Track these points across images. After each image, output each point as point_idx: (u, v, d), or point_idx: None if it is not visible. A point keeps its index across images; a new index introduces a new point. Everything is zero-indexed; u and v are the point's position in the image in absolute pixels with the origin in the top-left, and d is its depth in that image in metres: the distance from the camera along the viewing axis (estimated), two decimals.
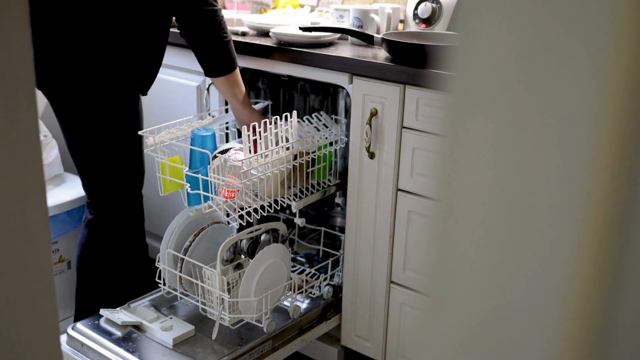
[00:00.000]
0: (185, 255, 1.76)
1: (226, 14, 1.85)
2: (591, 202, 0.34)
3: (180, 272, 1.77)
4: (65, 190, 2.26)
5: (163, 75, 1.91)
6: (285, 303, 1.86)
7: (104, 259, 1.94)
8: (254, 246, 1.74)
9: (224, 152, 1.71)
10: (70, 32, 1.71)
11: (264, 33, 2.07)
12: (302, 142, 1.78)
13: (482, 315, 0.39)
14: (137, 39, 1.77)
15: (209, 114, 2.03)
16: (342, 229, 2.09)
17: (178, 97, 2.22)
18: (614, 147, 0.33)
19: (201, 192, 1.65)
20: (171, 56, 1.92)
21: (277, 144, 1.71)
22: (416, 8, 2.02)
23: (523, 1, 0.36)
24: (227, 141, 2.08)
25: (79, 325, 1.76)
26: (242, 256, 1.76)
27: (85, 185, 1.91)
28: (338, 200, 2.15)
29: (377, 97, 1.74)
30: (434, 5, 1.99)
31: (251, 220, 1.71)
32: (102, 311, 1.79)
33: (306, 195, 1.85)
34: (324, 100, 2.21)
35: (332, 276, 2.01)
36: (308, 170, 1.85)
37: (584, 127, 0.34)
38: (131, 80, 1.83)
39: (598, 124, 0.33)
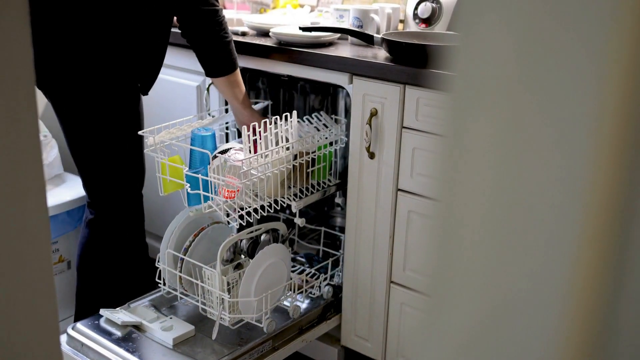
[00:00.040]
0: (185, 255, 1.76)
1: (226, 14, 1.85)
2: (592, 202, 0.34)
3: (180, 272, 1.77)
4: (65, 190, 2.26)
5: (163, 75, 1.91)
6: (285, 303, 1.86)
7: (104, 259, 1.94)
8: (254, 246, 1.74)
9: (224, 152, 1.71)
10: (71, 31, 1.71)
11: (264, 33, 2.07)
12: (302, 142, 1.78)
13: (482, 315, 0.39)
14: (138, 39, 1.77)
15: (209, 114, 2.03)
16: (342, 229, 2.09)
17: (178, 97, 2.22)
18: (615, 146, 0.33)
19: (201, 192, 1.65)
20: (171, 56, 1.92)
21: (277, 144, 1.71)
22: (416, 8, 2.02)
23: (523, 1, 0.36)
24: (227, 141, 2.08)
25: (79, 325, 1.76)
26: (242, 256, 1.76)
27: (85, 185, 1.91)
28: (338, 200, 2.15)
29: (377, 97, 1.74)
30: (434, 5, 1.99)
31: (251, 220, 1.71)
32: (102, 311, 1.79)
33: (306, 195, 1.85)
34: (324, 100, 2.21)
35: (332, 276, 2.01)
36: (308, 170, 1.85)
37: (585, 126, 0.34)
38: (132, 80, 1.83)
39: (598, 124, 0.33)
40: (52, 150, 2.35)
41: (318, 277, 1.99)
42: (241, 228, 1.83)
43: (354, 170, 1.83)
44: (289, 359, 1.87)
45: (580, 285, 0.35)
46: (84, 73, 1.74)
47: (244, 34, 2.08)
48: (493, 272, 0.38)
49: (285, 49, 1.90)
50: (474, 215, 0.39)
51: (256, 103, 2.04)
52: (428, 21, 2.00)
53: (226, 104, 2.03)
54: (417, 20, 2.02)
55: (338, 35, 1.97)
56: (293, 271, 1.94)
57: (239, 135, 1.98)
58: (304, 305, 1.92)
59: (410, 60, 1.69)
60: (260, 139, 1.65)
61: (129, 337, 1.73)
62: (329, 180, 1.94)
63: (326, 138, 1.87)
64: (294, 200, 1.79)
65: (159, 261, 1.82)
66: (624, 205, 0.34)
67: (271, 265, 1.73)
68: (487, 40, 0.37)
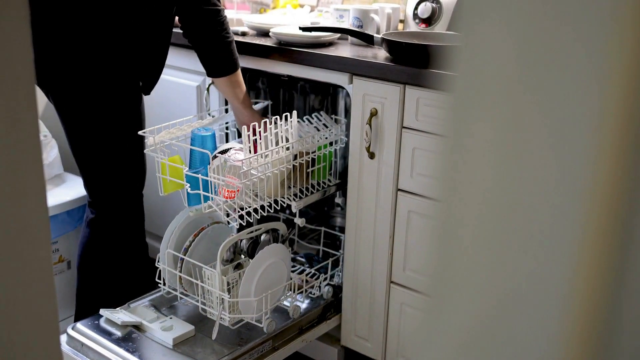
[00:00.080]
0: (185, 255, 1.76)
1: (226, 13, 1.85)
2: (593, 202, 0.34)
3: (180, 272, 1.77)
4: (65, 190, 2.26)
5: (163, 75, 1.91)
6: (285, 303, 1.86)
7: (105, 259, 1.94)
8: (254, 246, 1.74)
9: (224, 152, 1.71)
10: (73, 30, 1.71)
11: (264, 33, 2.07)
12: (302, 142, 1.78)
13: (483, 315, 0.39)
14: (140, 37, 1.77)
15: (209, 114, 2.03)
16: (342, 229, 2.09)
17: (178, 97, 2.22)
18: (616, 146, 0.33)
19: (201, 192, 1.65)
20: (171, 56, 1.92)
21: (277, 144, 1.71)
22: (416, 8, 2.02)
23: (524, 1, 0.36)
24: (227, 141, 2.08)
25: (79, 325, 1.76)
26: (242, 256, 1.76)
27: (86, 185, 1.91)
28: (338, 200, 2.15)
29: (377, 97, 1.74)
30: (434, 5, 1.99)
31: (251, 220, 1.71)
32: (102, 311, 1.78)
33: (306, 195, 1.85)
34: (324, 100, 2.21)
35: (332, 276, 2.01)
36: (308, 170, 1.85)
37: (585, 126, 0.34)
38: (134, 79, 1.83)
39: (599, 124, 0.33)
40: (52, 150, 2.35)
41: (318, 277, 1.99)
42: (241, 228, 1.83)
43: (354, 170, 1.83)
44: (289, 359, 1.87)
45: (582, 285, 0.35)
46: (85, 72, 1.74)
47: (244, 34, 2.08)
48: (493, 272, 0.38)
49: (285, 49, 1.90)
50: (474, 215, 0.39)
51: (256, 103, 2.04)
52: (428, 21, 2.00)
53: (226, 103, 2.03)
54: (417, 20, 2.02)
55: (338, 35, 1.97)
56: (293, 271, 1.94)
57: (239, 135, 1.98)
58: (304, 305, 1.92)
59: (410, 60, 1.69)
60: (260, 139, 1.65)
61: (129, 337, 1.73)
62: (329, 180, 1.94)
63: (326, 138, 1.87)
64: (294, 200, 1.79)
65: (159, 261, 1.82)
66: (626, 205, 0.34)
67: (271, 265, 1.73)
68: (488, 41, 0.37)
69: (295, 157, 1.77)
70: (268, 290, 1.72)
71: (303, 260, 2.13)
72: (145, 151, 1.75)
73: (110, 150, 1.85)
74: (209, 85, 2.11)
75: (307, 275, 1.98)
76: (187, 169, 1.67)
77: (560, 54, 0.35)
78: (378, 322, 1.89)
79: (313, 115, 1.90)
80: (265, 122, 1.70)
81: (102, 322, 1.77)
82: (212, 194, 1.66)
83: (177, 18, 1.85)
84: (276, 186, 1.73)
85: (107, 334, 1.73)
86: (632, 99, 0.33)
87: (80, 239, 1.97)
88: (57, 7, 1.70)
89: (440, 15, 1.98)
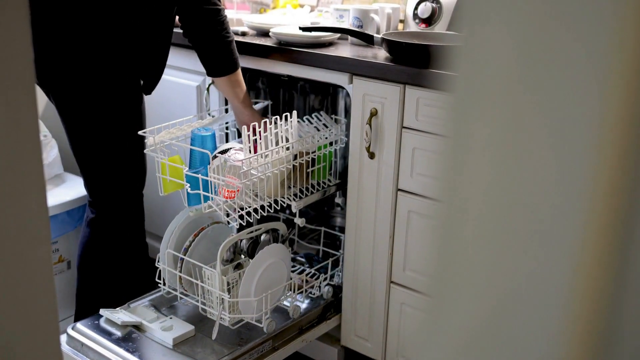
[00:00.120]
0: (185, 255, 1.76)
1: (226, 13, 1.85)
2: (593, 202, 0.34)
3: (180, 272, 1.77)
4: (65, 190, 2.26)
5: (163, 75, 1.91)
6: (285, 303, 1.86)
7: (105, 258, 1.94)
8: (254, 246, 1.74)
9: (224, 152, 1.71)
10: (74, 30, 1.71)
11: (264, 33, 2.07)
12: (302, 142, 1.78)
13: (484, 316, 0.39)
14: (140, 37, 1.77)
15: (209, 114, 2.03)
16: (342, 229, 2.09)
17: (178, 97, 2.22)
18: (616, 146, 0.33)
19: (201, 192, 1.64)
20: (171, 56, 1.92)
21: (277, 144, 1.71)
22: (416, 8, 2.02)
23: (524, 1, 0.36)
24: (227, 141, 2.08)
25: (79, 325, 1.76)
26: (242, 256, 1.76)
27: (87, 184, 1.91)
28: (338, 200, 2.15)
29: (377, 97, 1.73)
30: (434, 5, 1.99)
31: (251, 220, 1.71)
32: (102, 311, 1.78)
33: (306, 195, 1.85)
34: (324, 100, 2.21)
35: (332, 276, 2.01)
36: (308, 170, 1.85)
37: (586, 126, 0.34)
38: (135, 79, 1.83)
39: (600, 124, 0.33)
40: (52, 150, 2.35)
41: (318, 277, 1.99)
42: (241, 228, 1.83)
43: (354, 170, 1.83)
44: (289, 359, 1.87)
45: (582, 286, 0.35)
46: (86, 71, 1.74)
47: (244, 34, 2.08)
48: (494, 273, 0.38)
49: (285, 49, 1.90)
50: (474, 215, 0.39)
51: (256, 103, 2.04)
52: (428, 21, 2.00)
53: (226, 103, 2.03)
54: (417, 20, 2.02)
55: (338, 35, 1.97)
56: (293, 271, 1.94)
57: (239, 135, 1.98)
58: (304, 305, 1.92)
59: (410, 60, 1.69)
60: (260, 139, 1.65)
61: (129, 337, 1.73)
62: (329, 180, 1.94)
63: (326, 138, 1.87)
64: (294, 200, 1.79)
65: (159, 261, 1.82)
66: (626, 205, 0.34)
67: (271, 265, 1.73)
68: (488, 41, 0.37)
69: (295, 157, 1.77)
70: (268, 290, 1.72)
71: (303, 260, 2.13)
72: (145, 151, 1.75)
73: (111, 150, 1.85)
74: (209, 85, 2.11)
75: (307, 275, 1.98)
76: (187, 169, 1.67)
77: (560, 54, 0.34)
78: (378, 322, 1.89)
79: (313, 115, 1.90)
80: (265, 122, 1.69)
81: (102, 322, 1.77)
82: (212, 194, 1.66)
83: (177, 17, 1.85)
84: (276, 186, 1.73)
85: (107, 334, 1.73)
86: (632, 98, 0.33)
87: (80, 238, 1.97)
88: (58, 6, 1.70)
89: (440, 15, 1.98)
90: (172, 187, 1.72)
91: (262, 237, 1.76)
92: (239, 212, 1.68)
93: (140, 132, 1.77)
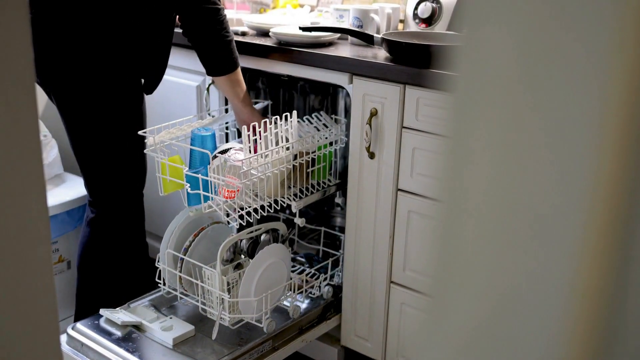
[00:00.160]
0: (185, 255, 1.76)
1: (226, 13, 1.85)
2: (594, 202, 0.34)
3: (180, 272, 1.77)
4: (65, 190, 2.26)
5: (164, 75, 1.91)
6: (285, 303, 1.86)
7: (105, 258, 1.94)
8: (254, 246, 1.74)
9: (224, 152, 1.71)
10: (74, 29, 1.71)
11: (264, 33, 2.07)
12: (302, 142, 1.78)
13: (484, 316, 0.39)
14: (141, 36, 1.77)
15: (209, 114, 2.03)
16: (342, 229, 2.09)
17: (178, 97, 2.22)
18: (617, 146, 0.33)
19: (201, 192, 1.64)
20: (171, 56, 1.92)
21: (277, 144, 1.71)
22: (416, 8, 2.02)
23: (524, 2, 0.36)
24: (227, 141, 2.08)
25: (79, 325, 1.76)
26: (242, 256, 1.76)
27: (87, 184, 1.91)
28: (338, 200, 2.15)
29: (377, 97, 1.73)
30: (434, 5, 1.99)
31: (251, 220, 1.71)
32: (102, 311, 1.78)
33: (306, 195, 1.85)
34: (324, 100, 2.21)
35: (332, 276, 2.01)
36: (308, 170, 1.85)
37: (587, 126, 0.34)
38: (136, 78, 1.83)
39: (600, 124, 0.33)
40: (52, 150, 2.35)
41: (318, 277, 1.99)
42: (241, 228, 1.83)
43: (354, 170, 1.83)
44: (289, 359, 1.87)
45: (583, 285, 0.35)
46: (87, 71, 1.74)
47: (243, 33, 2.08)
48: (494, 273, 0.38)
49: (285, 49, 1.90)
50: (475, 216, 0.39)
51: (256, 103, 2.04)
52: (428, 21, 2.00)
53: (226, 103, 2.03)
54: (417, 20, 2.02)
55: (338, 35, 1.97)
56: (293, 271, 1.94)
57: (239, 135, 1.98)
58: (304, 305, 1.92)
59: (410, 60, 1.69)
60: (260, 139, 1.65)
61: (129, 337, 1.73)
62: (329, 180, 1.94)
63: (326, 138, 1.87)
64: (294, 200, 1.79)
65: (159, 261, 1.82)
66: (627, 205, 0.34)
67: (271, 265, 1.73)
68: (489, 41, 0.37)
69: (295, 157, 1.77)
70: (268, 290, 1.72)
71: (303, 260, 2.13)
72: (145, 151, 1.75)
73: (111, 150, 1.85)
74: (209, 85, 2.11)
75: (307, 275, 1.98)
76: (187, 169, 1.67)
77: (560, 54, 0.34)
78: (378, 322, 1.89)
79: (313, 115, 1.90)
80: (265, 122, 1.70)
81: (102, 322, 1.77)
82: (212, 194, 1.66)
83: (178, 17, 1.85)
84: (276, 186, 1.73)
85: (107, 334, 1.73)
86: (632, 98, 0.33)
87: (80, 238, 1.97)
88: (58, 6, 1.70)
89: (440, 15, 1.98)
90: (172, 187, 1.72)
91: (262, 237, 1.76)
92: (239, 212, 1.68)
93: (140, 132, 1.77)
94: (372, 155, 1.77)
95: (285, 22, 2.13)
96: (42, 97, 1.92)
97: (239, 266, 1.75)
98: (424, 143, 1.68)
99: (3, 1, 0.40)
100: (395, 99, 1.70)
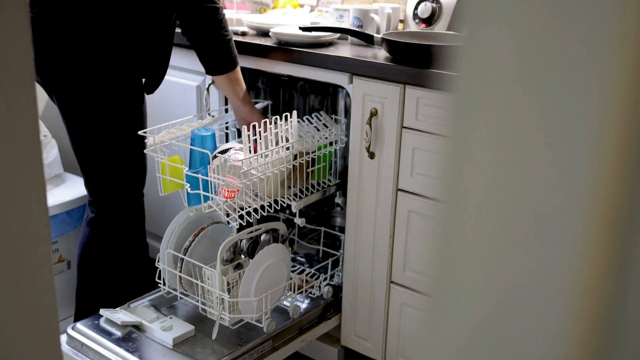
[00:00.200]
0: (185, 255, 1.76)
1: (226, 13, 1.85)
2: (594, 201, 0.34)
3: (180, 272, 1.77)
4: (65, 190, 2.26)
5: None
6: (285, 303, 1.86)
7: (105, 258, 1.94)
8: (254, 246, 1.74)
9: (224, 152, 1.71)
10: (75, 29, 1.71)
11: (264, 33, 2.07)
12: (302, 142, 1.78)
13: (484, 316, 0.39)
14: (141, 36, 1.77)
15: (209, 114, 2.03)
16: (342, 229, 2.09)
17: (178, 97, 2.22)
18: (617, 146, 0.33)
19: (201, 192, 1.64)
20: (171, 56, 1.92)
21: (277, 144, 1.71)
22: (416, 8, 2.02)
23: (524, 2, 0.36)
24: (227, 141, 2.08)
25: (79, 325, 1.76)
26: (242, 256, 1.76)
27: (87, 183, 1.91)
28: (338, 200, 2.15)
29: (377, 97, 1.73)
30: (434, 5, 1.99)
31: (251, 220, 1.71)
32: (102, 311, 1.78)
33: (306, 195, 1.85)
34: (323, 100, 2.21)
35: (332, 276, 2.01)
36: (308, 170, 1.85)
37: (587, 126, 0.34)
38: (136, 78, 1.83)
39: (600, 124, 0.33)
40: (52, 150, 2.35)
41: (318, 277, 1.99)
42: (241, 228, 1.83)
43: (354, 170, 1.83)
44: (289, 359, 1.87)
45: (583, 285, 0.35)
46: (88, 70, 1.75)
47: (243, 33, 2.08)
48: (494, 273, 0.38)
49: (285, 49, 1.90)
50: (475, 216, 0.39)
51: (256, 103, 2.04)
52: (428, 21, 2.00)
53: (226, 103, 2.03)
54: (417, 20, 2.02)
55: (338, 35, 1.97)
56: (293, 271, 1.94)
57: (239, 135, 1.98)
58: (304, 305, 1.92)
59: (410, 60, 1.69)
60: (260, 138, 1.65)
61: (129, 337, 1.73)
62: (329, 180, 1.94)
63: (326, 138, 1.87)
64: (294, 200, 1.79)
65: (159, 261, 1.82)
66: (627, 204, 0.34)
67: (271, 265, 1.73)
68: (489, 41, 0.37)
69: (295, 157, 1.77)
70: (268, 290, 1.72)
71: (303, 260, 2.13)
72: (145, 151, 1.76)
73: (112, 149, 1.85)
74: (209, 85, 2.11)
75: (307, 275, 1.98)
76: (187, 169, 1.67)
77: (560, 54, 0.34)
78: (378, 322, 1.89)
79: (313, 115, 1.90)
80: (265, 122, 1.70)
81: (102, 322, 1.77)
82: (212, 194, 1.66)
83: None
84: (276, 186, 1.73)
85: (107, 334, 1.73)
86: (632, 98, 0.33)
87: (80, 238, 1.97)
88: (59, 5, 1.70)
89: (440, 15, 1.98)
90: (172, 187, 1.72)
91: (262, 237, 1.76)
92: (239, 212, 1.68)
93: (140, 132, 1.77)
94: (372, 155, 1.77)
95: (285, 22, 2.13)
96: (42, 97, 1.92)
97: (239, 266, 1.75)
98: (424, 143, 1.68)
99: (3, 1, 0.40)
100: (395, 99, 1.70)
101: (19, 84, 0.42)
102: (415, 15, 2.03)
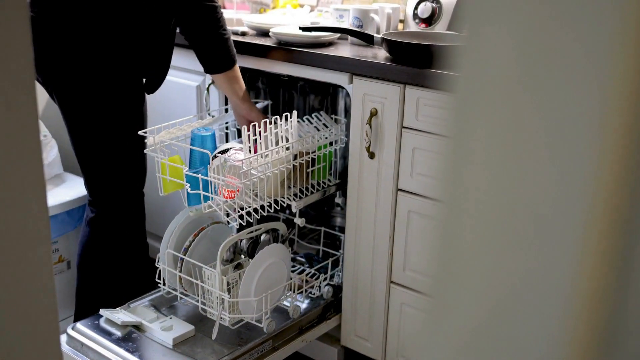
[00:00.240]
0: (185, 255, 1.76)
1: (226, 13, 1.85)
2: (595, 201, 0.34)
3: (180, 272, 1.77)
4: (65, 190, 2.26)
5: None
6: (285, 303, 1.86)
7: (105, 258, 1.94)
8: (254, 246, 1.74)
9: (224, 152, 1.71)
10: (76, 28, 1.71)
11: (264, 33, 2.07)
12: (302, 142, 1.78)
13: (485, 316, 0.39)
14: (141, 36, 1.77)
15: (209, 114, 2.03)
16: (342, 229, 2.09)
17: (178, 97, 2.22)
18: (617, 146, 0.33)
19: (201, 192, 1.64)
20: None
21: (277, 143, 1.71)
22: (416, 8, 2.02)
23: (524, 2, 0.36)
24: (227, 141, 2.08)
25: (79, 325, 1.76)
26: (242, 256, 1.76)
27: (87, 183, 1.91)
28: (338, 200, 2.15)
29: (377, 97, 1.73)
30: (434, 5, 1.99)
31: (251, 220, 1.71)
32: (102, 311, 1.78)
33: (306, 195, 1.85)
34: (323, 100, 2.21)
35: (332, 276, 2.01)
36: (308, 170, 1.85)
37: (587, 126, 0.34)
38: (137, 78, 1.83)
39: (600, 123, 0.33)
40: (52, 150, 2.35)
41: (318, 277, 1.99)
42: (241, 228, 1.83)
43: (354, 170, 1.83)
44: (289, 359, 1.87)
45: (583, 286, 0.35)
46: (88, 70, 1.75)
47: (243, 33, 2.08)
48: (495, 273, 0.38)
49: (285, 49, 1.90)
50: (475, 216, 0.39)
51: (256, 103, 2.04)
52: (428, 21, 2.00)
53: (226, 103, 2.03)
54: (417, 20, 2.02)
55: (338, 35, 1.97)
56: (293, 271, 1.94)
57: (239, 135, 1.98)
58: (304, 305, 1.92)
59: (410, 60, 1.69)
60: (260, 138, 1.65)
61: (129, 337, 1.73)
62: (329, 180, 1.94)
63: (326, 138, 1.87)
64: (294, 200, 1.79)
65: (158, 261, 1.82)
66: (628, 204, 0.34)
67: (271, 265, 1.73)
68: (489, 41, 0.37)
69: (295, 157, 1.77)
70: (268, 290, 1.71)
71: (303, 260, 2.13)
72: (145, 151, 1.76)
73: (112, 149, 1.85)
74: (209, 85, 2.11)
75: (307, 275, 1.98)
76: (187, 169, 1.67)
77: (560, 54, 0.34)
78: (378, 322, 1.89)
79: (313, 115, 1.90)
80: (265, 122, 1.70)
81: (102, 322, 1.77)
82: (212, 194, 1.66)
83: None
84: (276, 186, 1.73)
85: (107, 334, 1.73)
86: (633, 98, 0.33)
87: (80, 238, 1.97)
88: (59, 5, 1.70)
89: (440, 15, 1.98)
90: (172, 187, 1.72)
91: (262, 237, 1.76)
92: (239, 212, 1.68)
93: (140, 132, 1.77)
94: (372, 155, 1.77)
95: (285, 22, 2.13)
96: (42, 96, 1.92)
97: (239, 266, 1.75)
98: (424, 143, 1.68)
99: (3, 1, 0.40)
100: (395, 99, 1.70)
101: (19, 84, 0.42)
102: (415, 15, 2.03)
